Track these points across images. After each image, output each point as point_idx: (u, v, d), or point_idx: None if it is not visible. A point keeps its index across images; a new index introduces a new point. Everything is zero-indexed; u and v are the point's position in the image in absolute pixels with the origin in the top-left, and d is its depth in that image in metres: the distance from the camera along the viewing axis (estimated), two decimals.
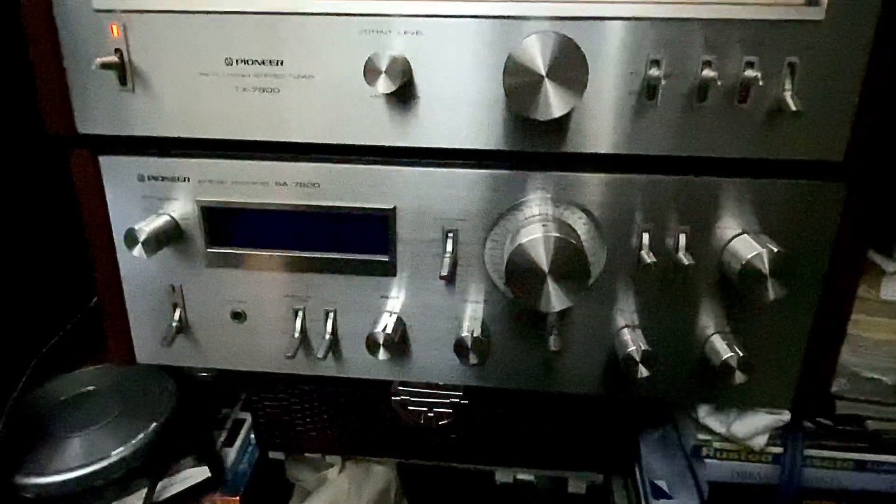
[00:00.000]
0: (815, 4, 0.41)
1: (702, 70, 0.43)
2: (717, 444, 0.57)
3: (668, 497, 0.60)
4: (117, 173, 0.51)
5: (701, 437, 0.57)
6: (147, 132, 0.49)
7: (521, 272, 0.44)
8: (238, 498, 0.66)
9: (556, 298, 0.44)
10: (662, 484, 0.61)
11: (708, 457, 0.57)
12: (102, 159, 0.51)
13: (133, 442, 0.62)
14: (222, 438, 0.72)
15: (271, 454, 0.75)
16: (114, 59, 0.47)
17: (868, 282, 0.52)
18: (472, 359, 0.50)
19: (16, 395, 0.62)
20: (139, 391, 0.69)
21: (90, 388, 0.70)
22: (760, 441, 0.55)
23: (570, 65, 0.39)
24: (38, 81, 0.49)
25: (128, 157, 0.51)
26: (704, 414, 0.57)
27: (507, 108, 0.45)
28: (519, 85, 0.40)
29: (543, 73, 0.39)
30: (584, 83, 0.39)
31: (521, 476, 0.74)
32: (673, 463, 0.63)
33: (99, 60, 0.45)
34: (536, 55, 0.39)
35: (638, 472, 0.65)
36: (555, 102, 0.40)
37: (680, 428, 0.63)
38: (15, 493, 0.59)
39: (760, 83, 0.41)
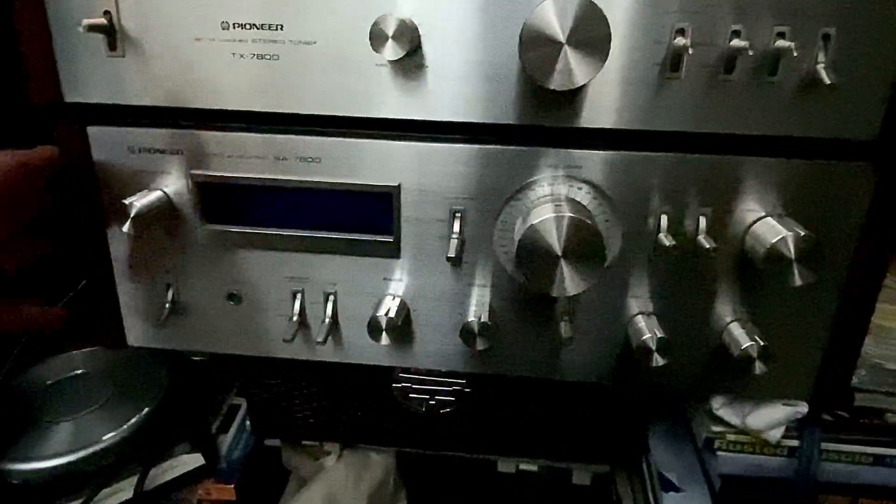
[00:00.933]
0: None
1: (730, 40, 0.40)
2: (730, 437, 0.55)
3: (678, 490, 0.58)
4: (106, 145, 0.48)
5: (714, 428, 0.56)
6: (138, 101, 0.47)
7: (532, 254, 0.42)
8: (233, 485, 0.65)
9: (569, 282, 0.42)
10: (672, 476, 0.60)
11: (720, 449, 0.56)
12: (91, 130, 0.48)
13: (124, 427, 0.61)
14: (217, 425, 0.71)
15: (267, 441, 0.73)
16: (102, 21, 0.44)
17: (893, 270, 0.50)
18: (480, 345, 0.48)
19: (1, 377, 0.60)
20: (130, 375, 0.67)
21: (79, 371, 0.68)
22: (776, 434, 0.53)
23: (591, 29, 0.36)
24: (21, 45, 0.46)
25: (117, 128, 0.48)
26: (718, 405, 0.55)
27: (523, 79, 0.42)
28: (537, 52, 0.37)
29: (563, 39, 0.37)
30: (608, 48, 0.37)
31: (523, 466, 0.72)
32: (682, 455, 0.62)
33: (86, 22, 0.43)
34: (554, 20, 0.37)
35: (646, 465, 0.63)
36: (577, 70, 0.37)
37: (691, 419, 0.62)
38: (2, 478, 0.57)
39: (794, 54, 0.39)
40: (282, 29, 0.43)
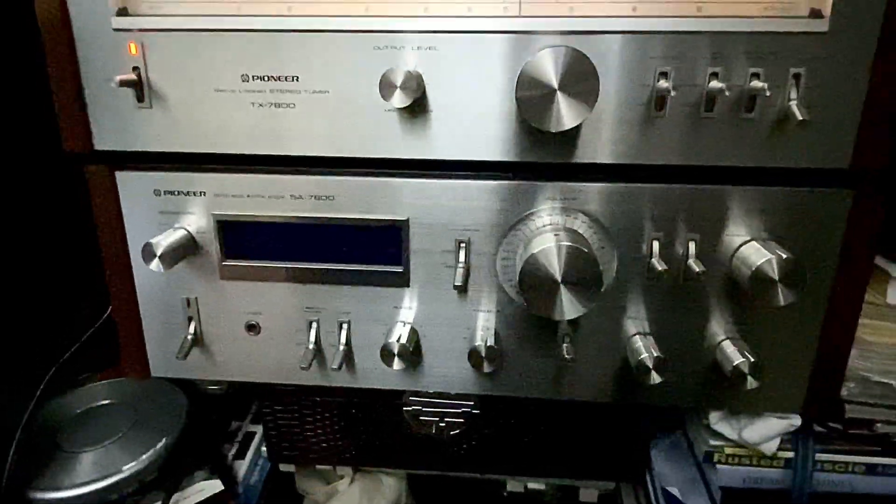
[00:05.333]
0: (819, 16, 0.42)
1: (709, 81, 0.44)
2: (728, 450, 0.57)
3: (681, 503, 0.60)
4: (133, 188, 0.52)
5: (713, 442, 0.58)
6: (163, 148, 0.50)
7: (534, 281, 0.45)
8: None
9: (568, 306, 0.45)
10: (674, 491, 0.61)
11: (720, 462, 0.58)
12: (119, 174, 0.52)
13: (145, 456, 0.63)
14: (233, 451, 0.72)
15: (282, 467, 0.75)
16: (132, 76, 0.47)
17: (875, 287, 0.53)
18: (486, 367, 0.51)
19: (31, 409, 0.62)
20: (151, 405, 0.69)
21: (103, 402, 0.70)
22: (772, 446, 0.55)
23: (581, 77, 0.40)
24: (55, 99, 0.49)
25: (144, 173, 0.51)
26: (716, 420, 0.57)
27: (520, 121, 0.46)
28: (532, 97, 0.41)
29: (556, 85, 0.40)
30: (596, 95, 0.40)
31: (531, 485, 0.74)
32: (684, 469, 0.64)
33: (118, 78, 0.46)
34: (549, 68, 0.40)
35: (649, 480, 0.65)
36: (567, 114, 0.41)
37: (691, 434, 0.64)
38: None
39: (767, 94, 0.42)
40: (297, 80, 0.47)
